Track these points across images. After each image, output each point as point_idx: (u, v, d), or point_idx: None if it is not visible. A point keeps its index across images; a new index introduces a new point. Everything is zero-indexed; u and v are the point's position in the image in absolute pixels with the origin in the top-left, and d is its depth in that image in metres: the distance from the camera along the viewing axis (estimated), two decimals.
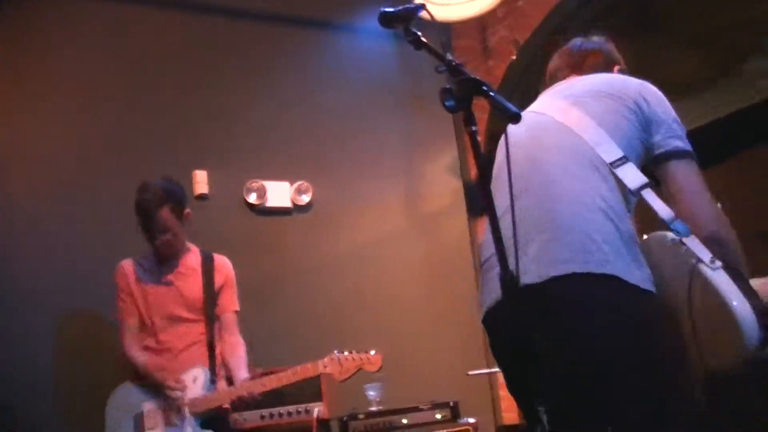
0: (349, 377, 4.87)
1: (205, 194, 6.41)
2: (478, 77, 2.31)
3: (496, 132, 7.27)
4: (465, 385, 6.17)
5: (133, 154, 6.21)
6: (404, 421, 5.69)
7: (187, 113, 6.52)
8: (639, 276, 2.69)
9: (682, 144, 2.90)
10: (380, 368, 4.94)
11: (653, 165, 2.92)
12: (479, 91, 2.29)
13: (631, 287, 2.66)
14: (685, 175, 2.84)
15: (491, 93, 2.28)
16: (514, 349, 2.68)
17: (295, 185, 6.77)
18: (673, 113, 2.98)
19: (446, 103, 2.30)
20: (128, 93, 6.36)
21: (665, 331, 2.70)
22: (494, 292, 2.86)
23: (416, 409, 5.74)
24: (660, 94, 3.04)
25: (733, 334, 2.51)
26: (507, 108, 2.25)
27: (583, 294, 2.67)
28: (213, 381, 4.96)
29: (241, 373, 5.02)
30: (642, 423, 2.64)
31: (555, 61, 3.49)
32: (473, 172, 7.46)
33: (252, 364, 5.18)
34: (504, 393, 7.20)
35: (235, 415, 5.41)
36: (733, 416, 3.50)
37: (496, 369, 6.90)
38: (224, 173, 6.53)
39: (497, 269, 2.53)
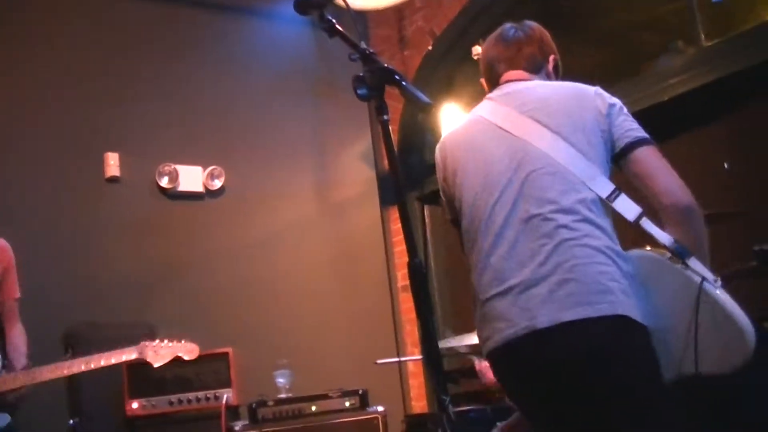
0: (164, 364, 4.83)
1: (116, 177, 6.33)
2: (390, 66, 2.32)
3: (409, 122, 7.32)
4: (375, 373, 6.19)
5: (44, 134, 6.13)
6: (313, 408, 5.72)
7: (100, 95, 6.42)
8: (640, 312, 2.76)
9: (643, 133, 2.97)
10: (198, 356, 4.96)
11: (622, 156, 2.96)
12: (392, 80, 2.29)
13: (640, 326, 2.74)
14: (654, 157, 2.91)
15: (403, 82, 2.29)
16: (534, 389, 2.83)
17: (208, 170, 6.73)
18: (624, 108, 3.05)
19: (358, 92, 2.30)
20: (40, 74, 6.25)
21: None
22: (513, 327, 2.81)
23: (325, 397, 5.77)
24: (612, 96, 3.10)
25: (740, 344, 2.69)
26: (418, 98, 2.28)
27: (596, 340, 2.72)
28: (4, 366, 4.76)
29: (20, 363, 4.76)
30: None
31: (490, 50, 3.39)
32: (386, 162, 7.48)
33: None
34: (413, 382, 7.25)
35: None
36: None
37: (405, 358, 6.99)
38: (136, 156, 6.45)
39: (516, 305, 2.76)
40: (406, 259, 2.33)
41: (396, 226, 7.39)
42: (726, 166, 5.54)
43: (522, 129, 3.03)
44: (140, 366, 5.54)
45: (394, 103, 6.69)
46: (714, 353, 2.75)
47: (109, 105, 6.45)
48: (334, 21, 2.49)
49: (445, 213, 3.29)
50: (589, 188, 2.84)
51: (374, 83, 2.31)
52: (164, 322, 5.99)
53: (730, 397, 3.77)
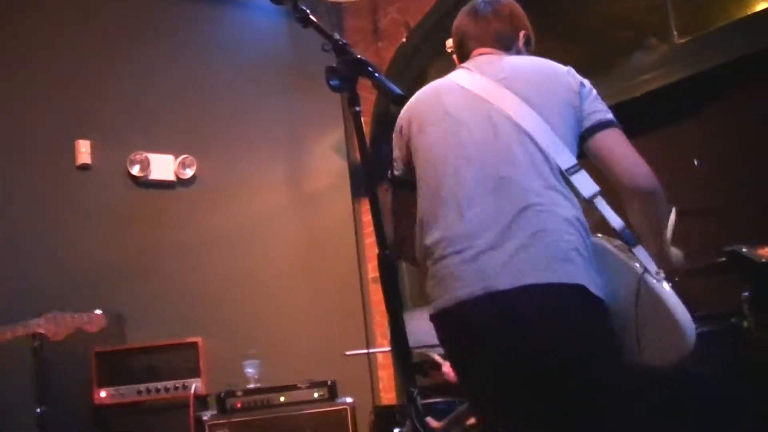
0: (66, 337, 4.76)
1: (87, 164, 6.30)
2: (363, 57, 2.33)
3: (382, 114, 7.32)
4: (344, 365, 6.20)
5: (15, 121, 6.08)
6: (281, 398, 5.74)
7: (72, 82, 6.39)
8: (597, 286, 2.75)
9: (610, 115, 2.99)
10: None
11: (587, 136, 2.97)
12: (364, 71, 2.30)
13: (596, 298, 2.73)
14: (619, 140, 2.93)
15: (376, 74, 2.30)
16: (488, 353, 2.76)
17: (180, 159, 6.71)
18: (594, 90, 3.06)
19: (331, 82, 2.31)
20: (11, 61, 6.20)
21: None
22: (469, 287, 2.78)
23: (294, 388, 5.79)
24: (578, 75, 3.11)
25: (678, 340, 2.71)
26: (391, 89, 2.28)
27: (556, 304, 2.70)
28: None
29: None
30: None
31: (461, 25, 3.41)
32: (358, 153, 7.50)
33: None
34: (382, 374, 7.26)
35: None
36: None
37: (374, 349, 7.01)
38: (108, 144, 6.43)
39: (473, 265, 2.73)
40: (377, 250, 2.33)
41: (367, 217, 7.40)
42: (696, 162, 5.59)
43: (493, 95, 3.04)
44: (109, 355, 5.60)
45: (368, 95, 6.70)
46: (654, 345, 2.78)
47: (81, 92, 6.42)
48: (308, 11, 2.46)
49: (391, 170, 3.25)
50: (553, 158, 2.85)
51: (347, 74, 2.31)
52: (133, 310, 6.01)
53: (692, 392, 3.79)
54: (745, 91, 5.47)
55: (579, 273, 2.71)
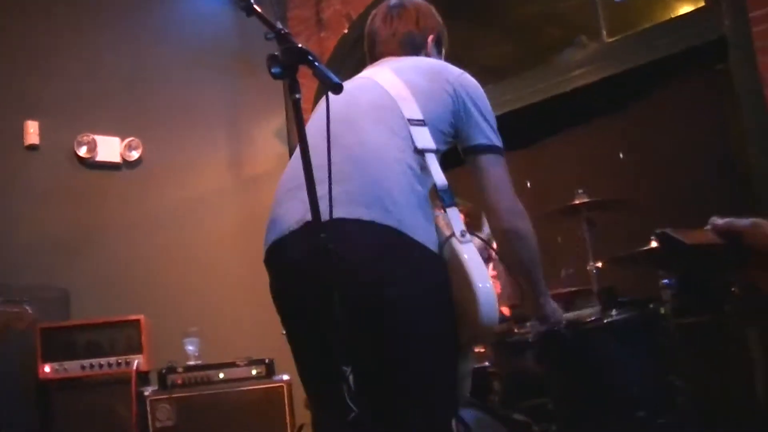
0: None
1: (35, 145, 6.39)
2: (303, 47, 2.34)
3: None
4: (282, 343, 6.29)
5: None
6: (221, 375, 5.81)
7: (21, 62, 6.45)
8: (427, 236, 2.67)
9: (494, 139, 2.92)
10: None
11: (465, 155, 2.94)
12: (304, 60, 2.31)
13: (422, 247, 2.63)
14: (493, 169, 2.88)
15: (315, 63, 2.32)
16: (309, 291, 2.59)
17: (126, 141, 6.80)
18: (489, 107, 2.99)
19: (272, 70, 2.31)
20: None
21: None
22: (289, 222, 2.81)
23: (232, 365, 5.87)
24: (478, 86, 3.02)
25: (473, 313, 2.58)
26: (329, 78, 2.30)
27: (378, 242, 2.62)
28: None
29: None
30: (443, 388, 2.69)
31: (372, 26, 3.34)
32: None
33: None
34: None
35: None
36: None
37: None
38: (56, 125, 6.50)
39: (295, 200, 2.72)
40: None
41: None
42: (621, 156, 5.83)
43: (370, 72, 3.12)
44: (54, 330, 5.62)
45: (309, 83, 6.83)
46: (461, 318, 2.67)
47: (30, 73, 6.47)
48: (251, 1, 2.45)
49: None
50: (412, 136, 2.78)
51: (288, 63, 2.31)
52: (78, 287, 6.08)
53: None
54: (669, 88, 5.73)
55: (402, 221, 2.62)
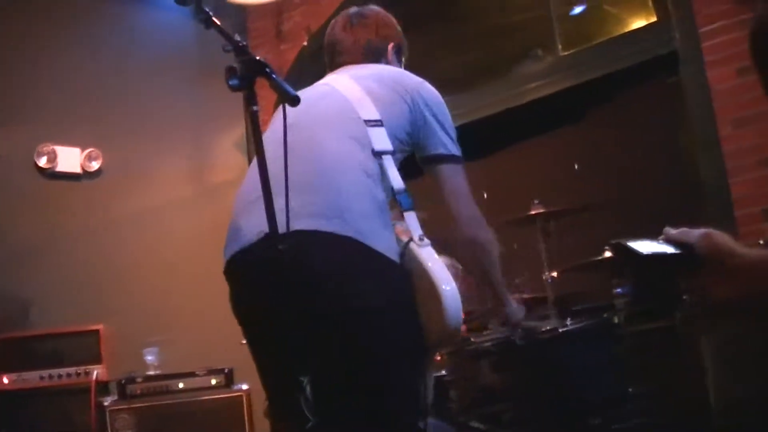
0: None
1: None
2: (261, 59, 2.36)
3: None
4: (242, 353, 6.31)
5: None
6: (180, 385, 5.82)
7: None
8: (387, 245, 2.67)
9: (454, 148, 2.94)
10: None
11: (424, 164, 2.96)
12: (262, 72, 2.34)
13: (382, 257, 2.63)
14: (454, 178, 2.90)
15: (273, 75, 2.34)
16: (269, 302, 2.64)
17: (86, 152, 6.77)
18: (448, 116, 3.01)
19: (230, 82, 2.34)
20: None
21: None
22: (249, 234, 2.81)
23: (192, 375, 5.88)
24: (438, 95, 3.04)
25: (439, 315, 2.59)
26: (286, 91, 2.34)
27: (338, 253, 2.63)
28: None
29: None
30: (409, 396, 2.69)
31: (331, 36, 3.36)
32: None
33: None
34: None
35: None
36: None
37: None
38: (16, 135, 6.48)
39: (255, 212, 2.66)
40: None
41: None
42: (576, 167, 5.92)
43: (329, 79, 3.14)
44: (12, 340, 5.61)
45: (268, 95, 6.85)
46: (426, 323, 2.68)
47: None
48: (210, 13, 2.47)
49: None
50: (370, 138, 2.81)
51: (245, 74, 2.34)
52: (38, 297, 6.07)
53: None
54: (623, 100, 5.85)
55: (360, 231, 2.63)
